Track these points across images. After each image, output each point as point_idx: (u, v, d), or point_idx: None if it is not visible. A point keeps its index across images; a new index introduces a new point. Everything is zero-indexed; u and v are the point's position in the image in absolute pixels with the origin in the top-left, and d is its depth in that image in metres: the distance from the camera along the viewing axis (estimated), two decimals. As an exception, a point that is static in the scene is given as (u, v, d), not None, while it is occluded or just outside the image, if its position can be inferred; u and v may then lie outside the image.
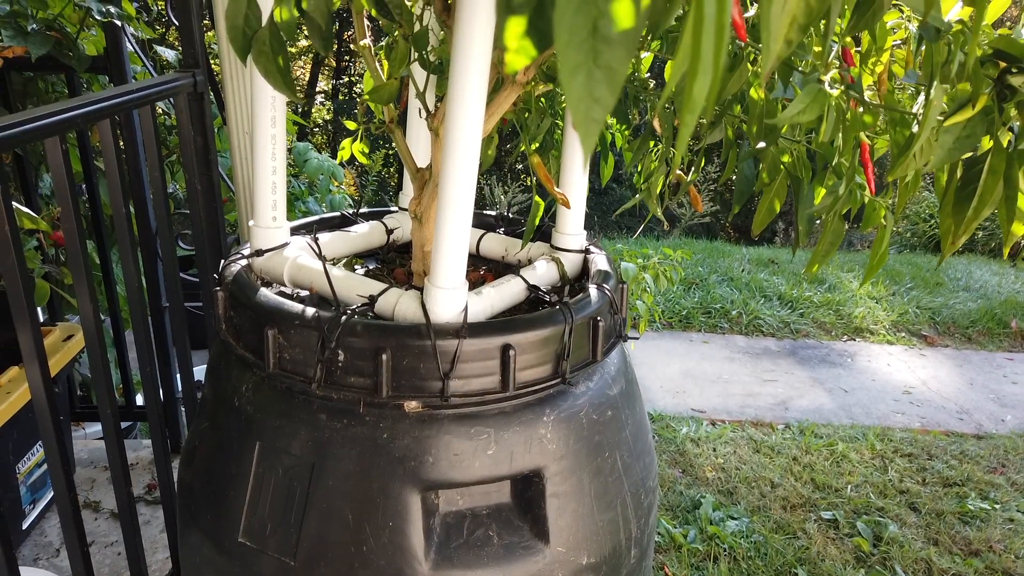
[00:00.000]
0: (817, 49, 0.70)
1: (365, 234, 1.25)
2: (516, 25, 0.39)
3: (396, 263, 1.26)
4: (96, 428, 2.37)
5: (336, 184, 3.22)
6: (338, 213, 1.29)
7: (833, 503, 2.53)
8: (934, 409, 3.35)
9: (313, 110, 10.46)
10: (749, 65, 0.94)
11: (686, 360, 3.77)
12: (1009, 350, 4.07)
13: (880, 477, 2.71)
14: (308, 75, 10.48)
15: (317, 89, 10.77)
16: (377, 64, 1.03)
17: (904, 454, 2.90)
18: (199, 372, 2.63)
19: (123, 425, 2.34)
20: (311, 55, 10.26)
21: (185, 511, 1.06)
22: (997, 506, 2.54)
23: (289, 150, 3.26)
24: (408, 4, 0.95)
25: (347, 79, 10.93)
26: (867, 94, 0.72)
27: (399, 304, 0.95)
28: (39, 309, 1.95)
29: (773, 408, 3.30)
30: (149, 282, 1.77)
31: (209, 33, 2.48)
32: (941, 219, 0.74)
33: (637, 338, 1.17)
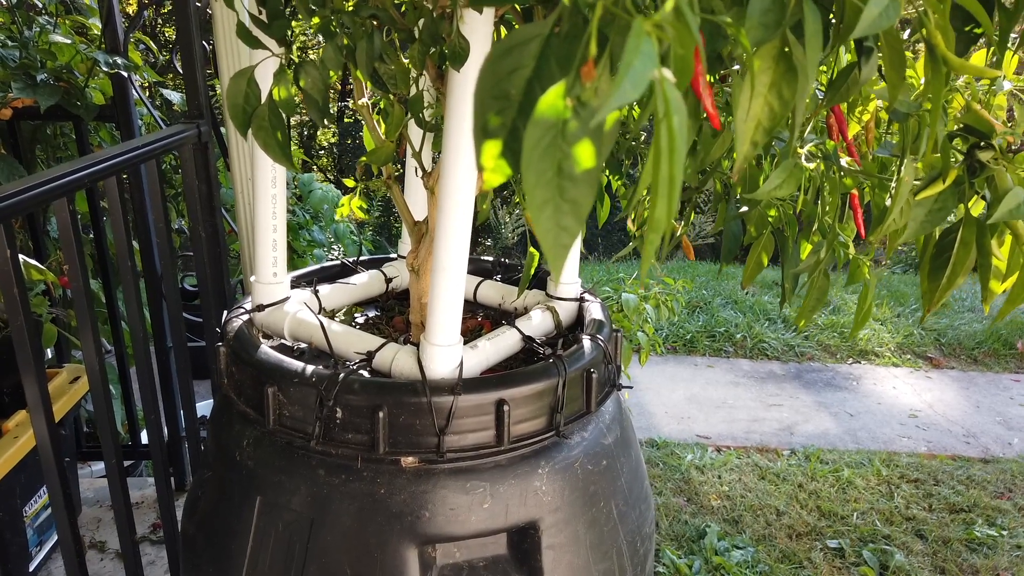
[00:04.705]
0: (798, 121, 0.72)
1: (364, 284, 1.27)
2: (492, 147, 0.41)
3: (395, 311, 1.29)
4: (102, 466, 2.39)
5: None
6: (338, 262, 1.31)
7: (839, 531, 2.52)
8: (940, 433, 3.33)
9: (319, 132, 10.54)
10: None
11: (691, 385, 3.77)
12: (1015, 372, 4.05)
13: (886, 504, 2.70)
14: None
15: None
16: (375, 123, 1.06)
17: (910, 480, 2.88)
18: (202, 407, 2.66)
19: (128, 463, 2.36)
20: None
21: (188, 562, 1.08)
22: (1004, 532, 2.53)
23: (293, 179, 3.31)
24: (405, 61, 0.98)
25: (353, 101, 10.99)
26: (845, 161, 0.74)
27: (396, 360, 0.97)
28: (47, 350, 1.98)
29: (778, 433, 3.29)
30: (154, 323, 1.80)
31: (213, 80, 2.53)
32: (921, 281, 0.76)
33: (631, 387, 1.19)
